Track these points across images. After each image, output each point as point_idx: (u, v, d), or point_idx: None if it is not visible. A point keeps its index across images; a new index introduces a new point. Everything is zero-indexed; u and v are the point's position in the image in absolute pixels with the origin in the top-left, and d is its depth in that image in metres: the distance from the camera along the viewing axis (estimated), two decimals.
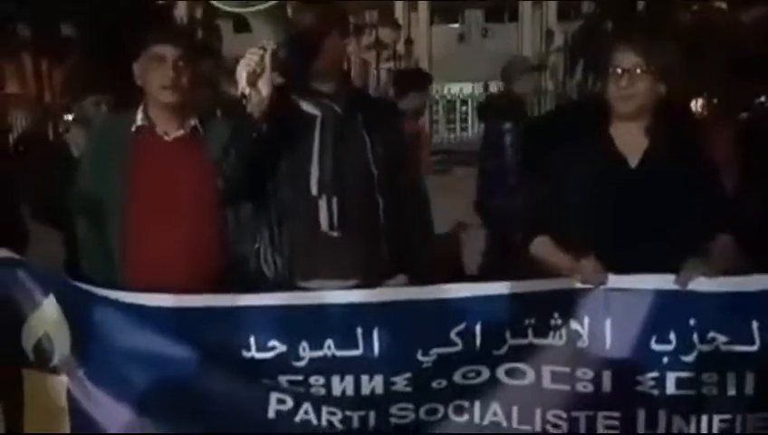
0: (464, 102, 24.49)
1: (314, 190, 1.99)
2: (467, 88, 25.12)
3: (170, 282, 2.05)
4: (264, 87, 1.88)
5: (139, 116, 2.25)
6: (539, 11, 27.42)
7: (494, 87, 27.38)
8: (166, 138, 2.25)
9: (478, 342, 1.91)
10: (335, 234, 2.00)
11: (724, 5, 17.75)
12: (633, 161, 1.99)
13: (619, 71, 1.95)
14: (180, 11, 26.22)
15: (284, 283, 2.01)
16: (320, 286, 2.01)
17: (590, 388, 1.90)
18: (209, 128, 2.33)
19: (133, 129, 2.24)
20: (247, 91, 1.87)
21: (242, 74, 1.87)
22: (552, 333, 1.92)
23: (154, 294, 1.97)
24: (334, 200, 1.99)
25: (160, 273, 2.12)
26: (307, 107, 2.02)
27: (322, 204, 1.99)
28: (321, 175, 1.99)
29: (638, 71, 1.93)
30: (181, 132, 2.26)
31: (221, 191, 2.06)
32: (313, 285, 2.01)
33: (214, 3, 1.84)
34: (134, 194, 2.21)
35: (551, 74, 24.92)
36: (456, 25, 30.09)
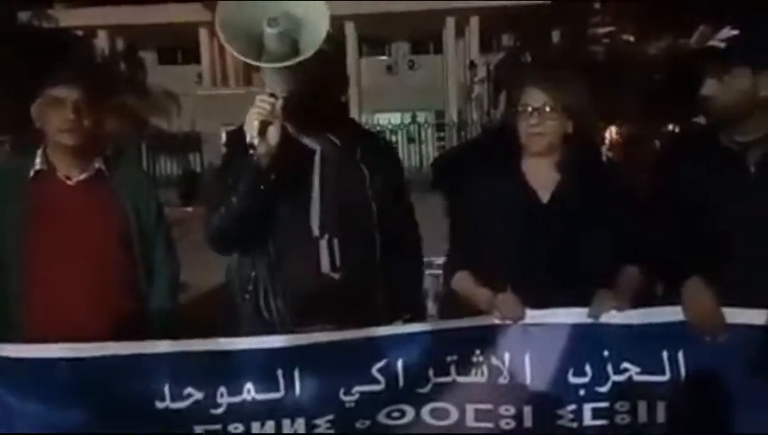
0: (393, 132, 24.82)
1: (316, 231, 1.93)
2: (396, 118, 25.52)
3: (77, 334, 1.91)
4: (274, 137, 1.81)
5: (38, 160, 2.14)
6: (462, 43, 28.36)
7: (422, 117, 27.86)
8: (68, 182, 2.15)
9: (401, 379, 1.89)
10: (336, 276, 1.93)
11: (632, 38, 18.92)
12: (545, 196, 2.03)
13: (529, 109, 1.99)
14: (101, 42, 25.53)
15: (283, 327, 1.93)
16: (319, 331, 1.92)
17: (512, 424, 1.91)
18: (119, 170, 2.24)
19: (32, 173, 2.13)
20: (257, 141, 1.80)
21: (253, 124, 1.79)
22: (474, 370, 1.92)
23: (51, 345, 1.83)
24: (335, 241, 1.93)
25: (66, 326, 1.99)
26: (306, 141, 1.95)
27: (323, 245, 1.92)
28: (322, 215, 1.93)
29: (547, 108, 1.98)
30: (84, 176, 2.16)
31: (215, 236, 1.94)
32: (313, 330, 1.92)
33: (259, 64, 1.73)
34: (34, 242, 2.08)
35: (475, 105, 25.71)
36: (384, 57, 30.67)
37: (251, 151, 1.82)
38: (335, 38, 1.94)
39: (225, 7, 1.73)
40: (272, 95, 1.80)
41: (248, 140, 1.82)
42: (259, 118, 1.79)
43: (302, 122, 1.92)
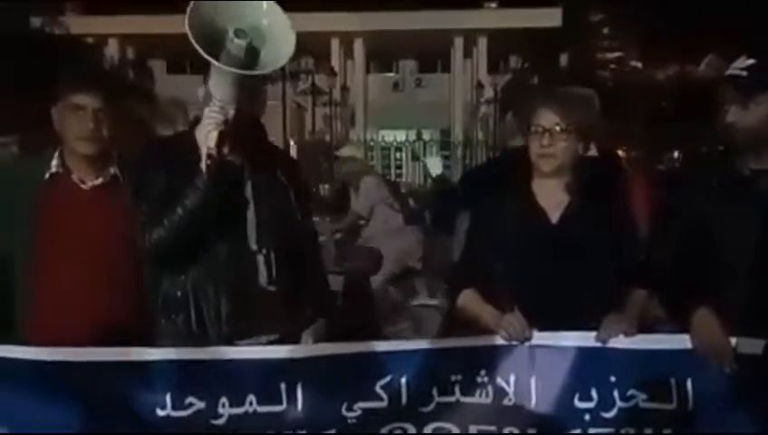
0: (398, 149, 24.90)
1: (253, 245, 1.94)
2: (401, 135, 25.61)
3: (82, 338, 1.91)
4: (226, 148, 1.84)
5: (55, 162, 2.14)
6: (470, 63, 28.51)
7: (427, 135, 27.91)
8: (82, 186, 2.15)
9: (404, 397, 1.88)
10: (273, 288, 1.94)
11: (640, 64, 19.07)
12: (554, 217, 2.03)
13: (540, 129, 2.00)
14: (111, 50, 25.71)
15: (218, 342, 1.92)
16: (255, 343, 1.93)
17: None
18: (132, 175, 2.23)
19: (47, 175, 2.13)
20: (214, 151, 1.81)
21: (212, 135, 1.81)
22: (478, 391, 1.90)
23: (55, 349, 1.82)
24: (272, 254, 1.94)
25: (71, 329, 1.98)
26: (233, 157, 1.96)
27: (260, 259, 1.94)
28: (258, 229, 1.94)
29: (558, 129, 1.98)
30: (99, 181, 2.17)
31: (158, 251, 1.93)
32: (251, 343, 1.93)
33: (223, 67, 1.76)
34: (45, 244, 2.08)
35: (481, 125, 25.80)
36: (391, 74, 30.84)
37: (207, 162, 1.83)
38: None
39: (197, 8, 1.77)
40: (221, 108, 1.82)
41: (205, 151, 1.83)
42: (217, 129, 1.81)
43: (234, 138, 1.93)
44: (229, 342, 1.92)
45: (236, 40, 1.76)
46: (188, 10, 1.74)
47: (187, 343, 1.91)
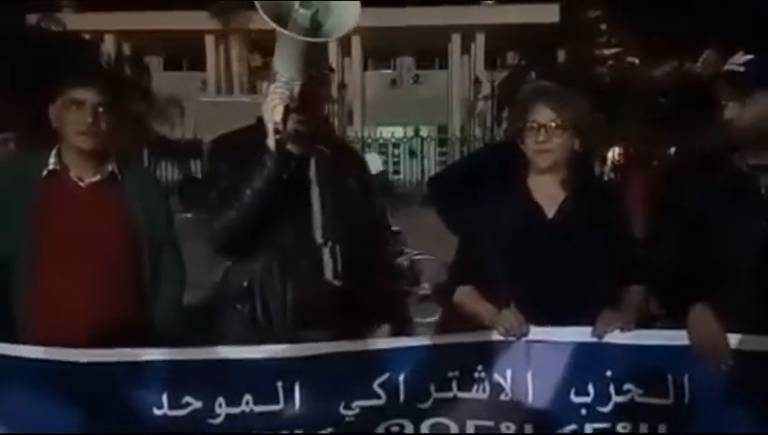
0: (396, 146, 24.92)
1: (319, 239, 1.91)
2: (399, 132, 25.63)
3: (80, 336, 1.92)
4: (291, 123, 1.80)
5: (52, 160, 2.14)
6: (467, 59, 28.52)
7: (425, 131, 27.95)
8: (80, 183, 2.15)
9: (402, 394, 1.88)
10: (338, 283, 1.92)
11: (637, 61, 19.08)
12: (550, 212, 2.03)
13: (536, 125, 1.99)
14: (108, 46, 25.65)
15: (282, 335, 1.89)
16: (317, 338, 1.90)
17: None
18: (132, 174, 2.24)
19: (44, 172, 2.13)
20: (280, 126, 1.77)
21: (278, 108, 1.77)
22: (475, 386, 1.91)
23: (52, 348, 1.82)
24: (338, 248, 1.92)
25: (69, 328, 1.98)
26: (297, 149, 1.91)
27: (326, 252, 1.91)
28: (324, 222, 1.92)
29: (554, 125, 1.98)
30: (97, 178, 2.16)
31: (225, 237, 1.89)
32: (313, 338, 1.90)
33: (286, 33, 1.72)
34: (42, 241, 2.08)
35: (479, 121, 25.82)
36: (389, 71, 30.86)
37: (275, 137, 1.80)
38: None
39: None
40: (286, 83, 1.79)
41: (272, 127, 1.80)
42: (283, 102, 1.77)
43: (297, 129, 1.89)
44: (293, 335, 1.89)
45: (302, 10, 1.75)
46: None
47: (251, 334, 1.89)
